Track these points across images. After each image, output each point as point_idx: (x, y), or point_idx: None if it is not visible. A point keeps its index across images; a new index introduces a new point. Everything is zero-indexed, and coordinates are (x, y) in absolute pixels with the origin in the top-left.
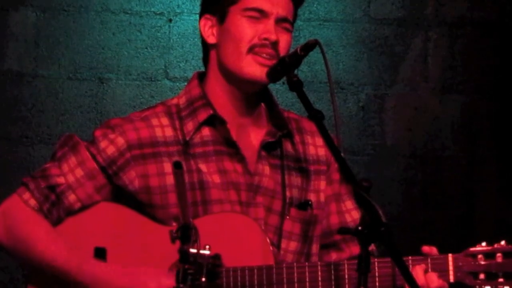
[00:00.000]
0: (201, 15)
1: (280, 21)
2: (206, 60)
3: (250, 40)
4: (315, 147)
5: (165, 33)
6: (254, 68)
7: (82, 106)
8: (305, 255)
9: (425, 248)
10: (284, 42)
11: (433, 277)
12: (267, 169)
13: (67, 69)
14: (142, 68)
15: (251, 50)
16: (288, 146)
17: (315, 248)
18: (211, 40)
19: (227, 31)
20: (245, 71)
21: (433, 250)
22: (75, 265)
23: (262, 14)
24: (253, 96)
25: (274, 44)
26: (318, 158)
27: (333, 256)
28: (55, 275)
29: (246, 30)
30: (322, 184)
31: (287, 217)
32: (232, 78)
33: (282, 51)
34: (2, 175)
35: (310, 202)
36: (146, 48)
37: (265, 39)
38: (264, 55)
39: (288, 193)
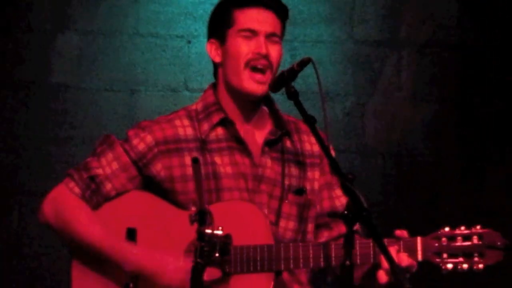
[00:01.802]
0: (207, 40)
1: (269, 36)
2: (215, 75)
3: (245, 55)
4: (310, 144)
5: (185, 52)
6: (251, 84)
7: (117, 113)
8: (301, 233)
9: (397, 232)
10: (275, 52)
11: (404, 257)
12: (269, 162)
13: (104, 82)
14: (166, 81)
15: (247, 64)
16: (287, 143)
17: (310, 227)
18: (217, 59)
19: (227, 51)
20: (244, 85)
21: (404, 233)
22: (109, 246)
23: (253, 33)
24: (254, 103)
25: (266, 56)
26: (313, 153)
27: (325, 233)
28: (92, 252)
29: (242, 48)
30: (316, 174)
31: (286, 201)
32: (234, 90)
33: (274, 60)
34: (52, 170)
35: (304, 189)
36: (170, 65)
37: (258, 53)
38: (260, 66)
39: (286, 181)
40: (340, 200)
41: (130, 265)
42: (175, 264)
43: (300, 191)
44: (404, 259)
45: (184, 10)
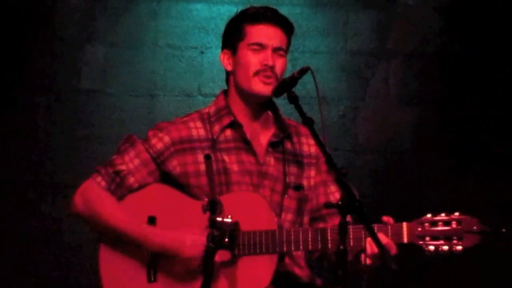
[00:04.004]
0: (221, 50)
1: (276, 50)
2: (227, 82)
3: (254, 66)
4: (308, 145)
5: (198, 62)
6: (259, 86)
7: (138, 115)
8: (298, 224)
9: (384, 218)
10: (280, 65)
11: (383, 236)
12: (272, 161)
13: (127, 88)
14: (182, 87)
15: (256, 74)
16: (288, 145)
17: (306, 219)
18: (229, 68)
19: (238, 61)
20: (253, 88)
21: (390, 219)
22: (132, 229)
23: (261, 46)
24: (260, 106)
25: (272, 68)
26: (310, 153)
27: (321, 225)
28: (118, 236)
29: (251, 60)
30: (312, 173)
31: (286, 196)
32: (244, 94)
33: (279, 72)
34: (81, 164)
35: (302, 186)
36: (185, 72)
37: (265, 65)
38: (266, 76)
39: (287, 179)
40: (334, 196)
41: (152, 245)
42: (193, 239)
43: (298, 187)
44: (383, 238)
45: (198, 24)
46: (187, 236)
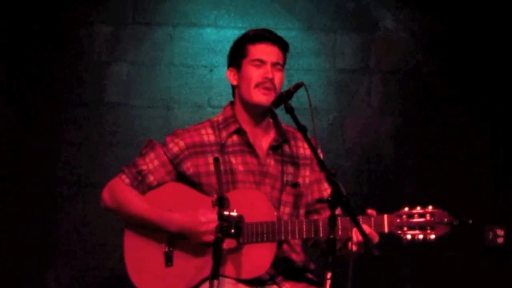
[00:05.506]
0: (227, 68)
1: (274, 64)
2: (233, 95)
3: (255, 79)
4: (304, 149)
5: (208, 78)
6: (260, 97)
7: (156, 124)
8: (295, 216)
9: (368, 211)
10: (278, 78)
11: (367, 228)
12: (272, 162)
13: (147, 101)
14: (194, 100)
15: (257, 86)
16: (286, 148)
17: (302, 212)
18: (234, 83)
19: (242, 76)
20: (254, 99)
21: (373, 212)
22: (157, 215)
23: (262, 62)
24: (262, 115)
25: (271, 80)
26: (305, 156)
27: (315, 217)
28: (143, 223)
29: (253, 73)
30: (307, 172)
31: (284, 192)
32: (247, 104)
33: (277, 83)
34: (107, 166)
35: (298, 183)
36: (196, 87)
37: (265, 77)
38: (266, 87)
39: (285, 177)
40: (327, 192)
41: (174, 226)
42: (206, 216)
43: (295, 185)
44: (367, 228)
45: (207, 46)
46: (200, 212)
